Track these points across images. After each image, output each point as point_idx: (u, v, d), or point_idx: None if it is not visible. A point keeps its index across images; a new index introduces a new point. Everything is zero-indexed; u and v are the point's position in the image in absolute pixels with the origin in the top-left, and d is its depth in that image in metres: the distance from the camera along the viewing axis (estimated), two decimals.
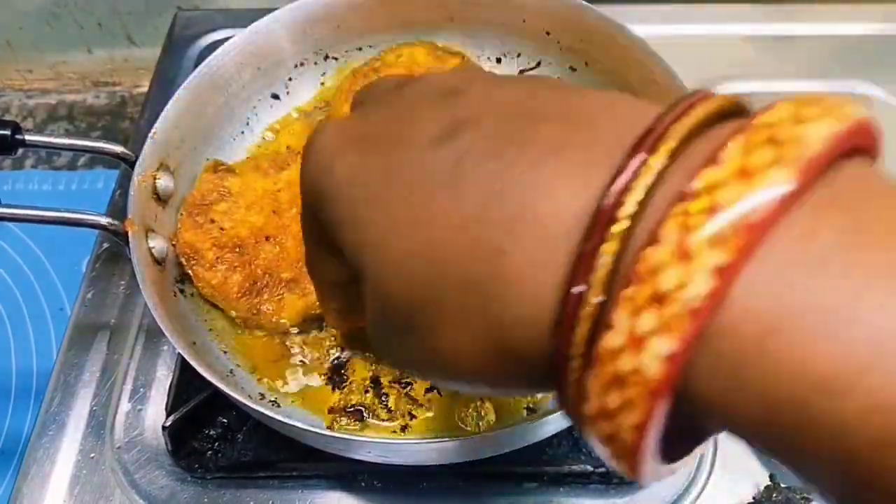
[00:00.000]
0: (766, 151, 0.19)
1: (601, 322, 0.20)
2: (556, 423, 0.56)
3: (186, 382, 0.64)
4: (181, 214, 0.64)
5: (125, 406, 0.65)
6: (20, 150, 0.62)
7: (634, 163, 0.21)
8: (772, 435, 0.19)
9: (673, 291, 0.18)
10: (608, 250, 0.20)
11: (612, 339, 0.19)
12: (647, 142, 0.21)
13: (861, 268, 0.18)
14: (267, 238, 0.63)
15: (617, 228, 0.20)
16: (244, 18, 0.75)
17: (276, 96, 0.75)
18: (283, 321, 0.61)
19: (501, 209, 0.23)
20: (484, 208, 0.23)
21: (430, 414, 0.59)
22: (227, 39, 0.70)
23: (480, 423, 0.58)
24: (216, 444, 0.62)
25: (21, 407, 0.80)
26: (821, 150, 0.19)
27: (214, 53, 0.69)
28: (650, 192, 0.20)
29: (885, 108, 0.84)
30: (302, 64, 0.76)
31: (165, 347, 0.68)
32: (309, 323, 0.62)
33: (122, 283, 0.72)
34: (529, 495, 0.60)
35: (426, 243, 0.24)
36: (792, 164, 0.19)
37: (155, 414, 0.64)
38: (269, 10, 0.71)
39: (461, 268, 0.23)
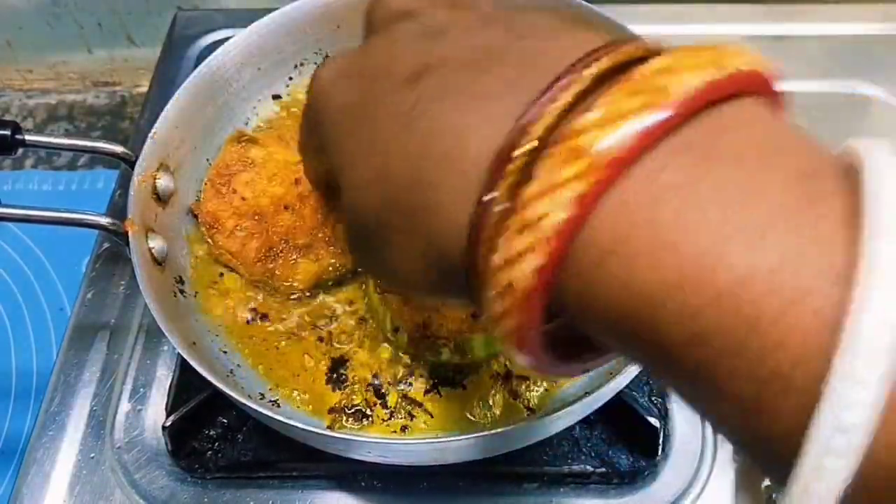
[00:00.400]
0: (632, 101, 0.22)
1: (495, 239, 0.24)
2: (556, 423, 0.56)
3: (186, 382, 0.64)
4: (204, 184, 0.66)
5: (125, 406, 0.65)
6: (20, 150, 0.62)
7: (533, 113, 0.24)
8: (614, 334, 0.23)
9: (541, 219, 0.22)
10: (503, 187, 0.24)
11: (498, 258, 0.24)
12: (549, 93, 0.24)
13: (691, 203, 0.21)
14: (286, 207, 0.65)
15: (511, 168, 0.24)
16: (244, 18, 0.75)
17: (276, 96, 0.75)
18: (295, 284, 0.63)
19: (437, 147, 0.26)
20: (425, 145, 0.27)
21: (430, 414, 0.59)
22: (227, 39, 0.70)
23: (488, 415, 0.58)
24: (216, 444, 0.62)
25: (21, 407, 0.79)
26: (681, 100, 0.21)
27: (214, 53, 0.69)
28: (542, 139, 0.23)
29: (885, 108, 0.84)
30: (302, 64, 0.76)
31: (165, 347, 0.68)
32: (319, 288, 0.64)
33: (122, 283, 0.72)
34: (529, 495, 0.60)
35: (382, 173, 0.29)
36: (649, 112, 0.21)
37: (155, 414, 0.64)
38: (269, 10, 0.71)
39: (405, 196, 0.28)
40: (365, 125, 0.30)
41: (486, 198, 0.24)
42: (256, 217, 0.65)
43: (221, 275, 0.65)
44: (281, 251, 0.64)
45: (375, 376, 0.60)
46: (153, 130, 0.63)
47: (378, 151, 0.29)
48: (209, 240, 0.64)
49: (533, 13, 0.31)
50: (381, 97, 0.30)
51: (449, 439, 0.54)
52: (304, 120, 0.42)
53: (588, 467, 0.61)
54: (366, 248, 0.32)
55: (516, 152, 0.24)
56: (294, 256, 0.63)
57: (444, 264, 0.27)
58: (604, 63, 0.24)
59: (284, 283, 0.63)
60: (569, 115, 0.23)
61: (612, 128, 0.21)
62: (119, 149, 0.64)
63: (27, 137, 0.61)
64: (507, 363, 0.60)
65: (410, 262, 0.29)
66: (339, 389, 0.60)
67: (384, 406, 0.59)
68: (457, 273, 0.27)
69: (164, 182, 0.63)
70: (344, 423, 0.58)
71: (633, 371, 0.52)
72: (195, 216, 0.66)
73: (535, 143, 0.23)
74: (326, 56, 0.76)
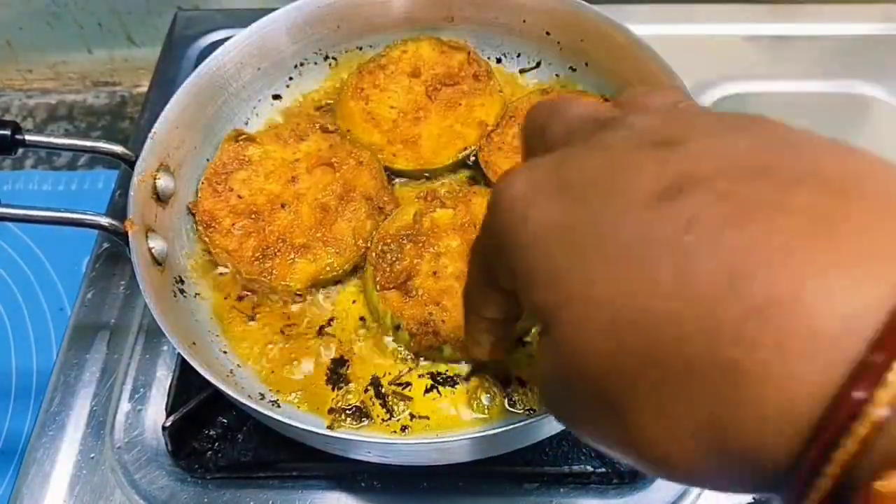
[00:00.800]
0: None
1: (878, 453, 0.18)
2: (556, 423, 0.56)
3: (186, 382, 0.64)
4: (202, 183, 0.67)
5: (125, 406, 0.65)
6: (20, 150, 0.62)
7: None
8: None
9: None
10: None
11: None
12: None
13: None
14: (283, 205, 0.66)
15: None
16: (244, 18, 0.75)
17: (276, 96, 0.75)
18: (292, 284, 0.63)
19: (748, 292, 0.20)
20: (724, 287, 0.20)
21: (429, 414, 0.59)
22: (227, 39, 0.70)
23: (488, 415, 0.58)
24: (216, 444, 0.62)
25: (21, 407, 0.80)
26: None
27: (214, 53, 0.69)
28: None
29: (885, 108, 0.84)
30: (302, 64, 0.76)
31: (165, 347, 0.68)
32: (316, 288, 0.64)
33: (122, 283, 0.72)
34: (529, 495, 0.60)
35: (642, 314, 0.22)
36: None
37: (155, 414, 0.64)
38: (269, 10, 0.71)
39: (683, 351, 0.21)
40: (601, 252, 0.23)
41: (861, 398, 0.18)
42: (253, 215, 0.65)
43: (221, 275, 0.65)
44: (278, 250, 0.64)
45: (375, 376, 0.60)
46: (153, 130, 0.63)
47: (632, 284, 0.22)
48: (206, 238, 0.64)
49: (766, 123, 0.24)
50: (620, 218, 0.23)
51: (449, 439, 0.54)
52: (480, 252, 0.32)
53: (588, 467, 0.61)
54: (581, 405, 0.25)
55: None
56: (291, 256, 0.64)
57: (736, 444, 0.20)
58: None
59: (282, 283, 0.63)
60: None
61: None
62: (119, 149, 0.64)
63: (27, 137, 0.61)
64: (508, 366, 0.60)
65: (664, 432, 0.22)
66: (339, 389, 0.60)
67: (384, 406, 0.59)
68: (751, 459, 0.20)
69: (164, 182, 0.63)
70: (344, 423, 0.58)
71: None
72: (193, 215, 0.66)
73: None
74: (330, 57, 0.77)
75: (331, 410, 0.59)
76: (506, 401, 0.59)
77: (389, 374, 0.60)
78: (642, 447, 0.23)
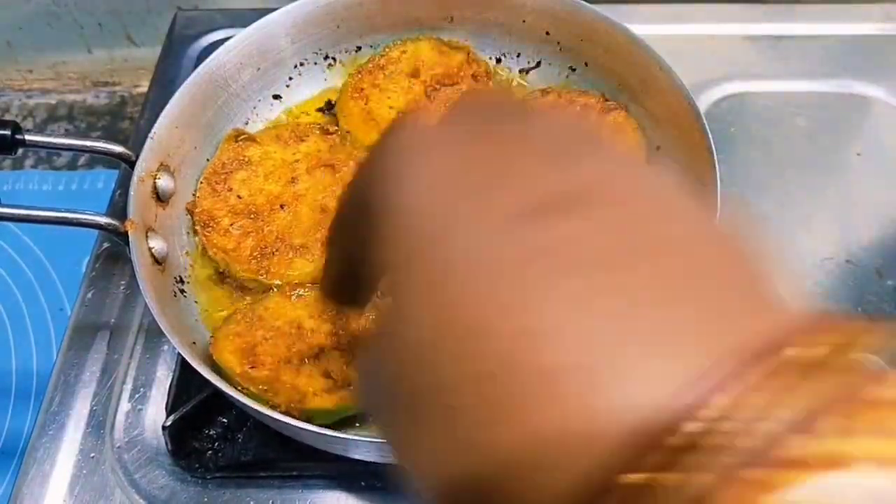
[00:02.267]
0: (872, 442, 0.16)
1: None
2: None
3: (186, 382, 0.64)
4: (200, 183, 0.67)
5: (125, 406, 0.65)
6: (20, 150, 0.62)
7: (720, 399, 0.17)
8: None
9: None
10: (656, 465, 0.17)
11: None
12: (753, 368, 0.17)
13: None
14: (282, 206, 0.66)
15: (686, 459, 0.17)
16: (244, 18, 0.75)
17: (277, 97, 0.75)
18: (290, 283, 0.63)
19: (561, 352, 0.19)
20: (544, 337, 0.19)
21: None
22: (227, 39, 0.70)
23: None
24: (216, 443, 0.62)
25: (21, 407, 0.80)
26: None
27: (214, 53, 0.69)
28: (731, 429, 0.17)
29: (885, 108, 0.84)
30: (302, 64, 0.76)
31: (165, 347, 0.68)
32: (318, 286, 0.63)
33: (122, 283, 0.72)
34: None
35: (460, 327, 0.20)
36: None
37: (155, 414, 0.64)
38: (269, 10, 0.71)
39: (480, 378, 0.19)
40: (450, 251, 0.21)
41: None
42: (252, 215, 0.65)
43: (221, 274, 0.65)
44: (276, 250, 0.64)
45: None
46: (153, 130, 0.63)
47: (463, 298, 0.20)
48: (203, 238, 0.64)
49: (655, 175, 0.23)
50: (484, 224, 0.21)
51: None
52: (351, 194, 0.28)
53: None
54: (386, 407, 0.24)
55: (674, 438, 0.17)
56: (290, 255, 0.64)
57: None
58: (821, 349, 0.18)
59: (277, 282, 0.63)
60: (764, 408, 0.17)
61: (844, 474, 0.16)
62: (119, 149, 0.64)
63: (27, 137, 0.61)
64: None
65: (433, 456, 0.21)
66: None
67: None
68: None
69: (164, 182, 0.63)
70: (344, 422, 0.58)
71: None
72: (192, 215, 0.66)
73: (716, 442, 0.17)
74: (330, 57, 0.76)
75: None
76: None
77: None
78: (403, 453, 0.22)
